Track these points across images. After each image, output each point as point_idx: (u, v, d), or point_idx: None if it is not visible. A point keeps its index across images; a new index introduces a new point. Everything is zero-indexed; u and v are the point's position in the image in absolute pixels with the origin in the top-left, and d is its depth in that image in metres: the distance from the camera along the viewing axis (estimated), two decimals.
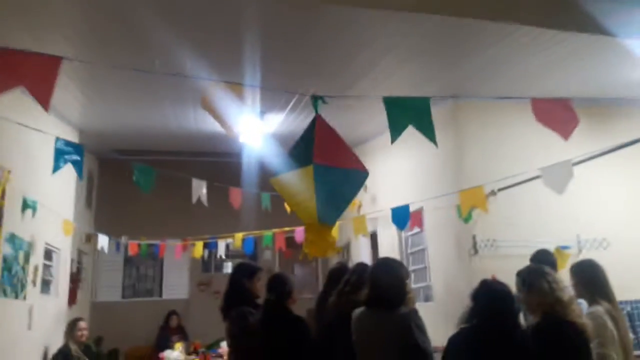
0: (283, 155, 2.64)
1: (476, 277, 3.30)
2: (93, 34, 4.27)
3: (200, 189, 5.69)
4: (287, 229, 6.79)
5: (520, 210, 5.27)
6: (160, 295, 8.70)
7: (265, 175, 2.89)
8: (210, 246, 7.54)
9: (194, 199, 5.69)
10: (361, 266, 3.45)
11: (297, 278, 8.69)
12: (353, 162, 2.62)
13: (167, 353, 6.08)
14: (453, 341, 2.61)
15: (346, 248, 8.04)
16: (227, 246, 7.48)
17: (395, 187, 6.62)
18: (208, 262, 8.82)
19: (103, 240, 6.94)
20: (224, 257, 7.82)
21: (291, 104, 5.86)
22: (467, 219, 5.05)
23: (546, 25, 3.73)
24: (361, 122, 6.45)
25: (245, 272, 3.78)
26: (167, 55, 4.36)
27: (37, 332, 5.29)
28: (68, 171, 3.70)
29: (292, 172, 2.52)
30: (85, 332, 5.52)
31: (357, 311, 2.97)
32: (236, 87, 2.72)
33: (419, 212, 5.70)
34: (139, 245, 7.35)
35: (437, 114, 2.80)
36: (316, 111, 2.61)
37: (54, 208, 5.67)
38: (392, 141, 2.64)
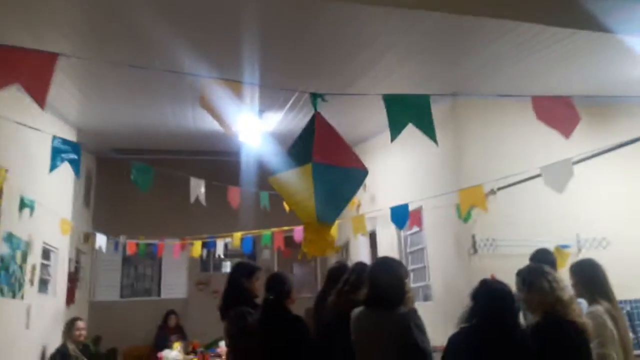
0: (282, 153, 2.61)
1: (475, 277, 3.29)
2: (92, 33, 4.27)
3: (198, 188, 5.67)
4: (285, 228, 6.78)
5: (520, 209, 5.26)
6: (159, 295, 8.68)
7: (264, 174, 2.88)
8: (208, 245, 7.52)
9: (192, 198, 5.67)
10: (360, 265, 3.44)
11: (296, 277, 8.68)
12: (352, 161, 2.60)
13: (166, 353, 6.06)
14: (453, 341, 2.59)
15: (345, 247, 8.03)
16: (226, 245, 7.47)
17: (395, 186, 6.61)
18: (207, 261, 8.80)
19: (101, 240, 6.92)
20: (222, 256, 7.81)
21: (290, 102, 5.85)
22: (466, 219, 5.04)
23: (547, 22, 3.71)
24: (360, 121, 6.43)
25: (244, 271, 3.76)
26: (166, 53, 4.35)
27: (35, 332, 5.27)
28: (66, 170, 3.68)
29: (291, 170, 2.50)
30: (83, 332, 5.50)
31: (356, 311, 2.95)
32: (235, 85, 2.69)
33: (418, 211, 5.69)
34: (137, 244, 7.34)
35: (437, 112, 2.78)
36: (315, 109, 2.59)
37: (52, 207, 5.65)
38: (392, 139, 2.62)
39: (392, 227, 6.02)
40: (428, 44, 4.51)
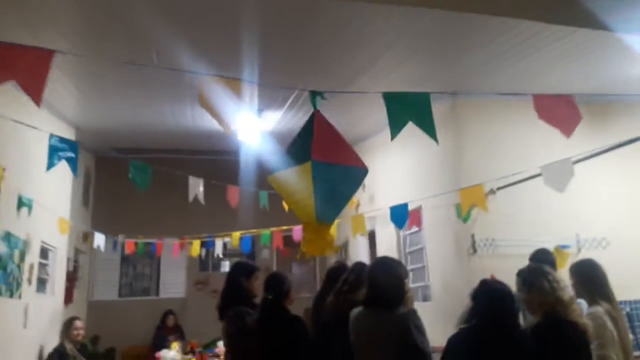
0: (281, 152, 2.59)
1: (475, 277, 3.27)
2: (91, 32, 4.26)
3: (197, 187, 5.65)
4: (284, 227, 6.77)
5: (520, 209, 5.25)
6: (157, 294, 8.66)
7: (263, 174, 2.86)
8: (207, 245, 7.51)
9: (191, 197, 5.65)
10: (360, 265, 3.42)
11: (295, 277, 8.66)
12: (352, 159, 2.57)
13: (164, 352, 6.04)
14: (452, 341, 2.58)
15: (344, 247, 8.02)
16: (225, 245, 7.45)
17: (394, 185, 6.60)
18: (205, 261, 8.78)
19: (99, 239, 6.89)
20: (221, 256, 7.79)
21: (289, 101, 5.84)
22: (465, 218, 5.03)
23: (547, 20, 3.70)
24: (360, 120, 6.42)
25: (242, 271, 3.74)
26: (165, 52, 4.33)
27: (33, 331, 5.25)
28: (64, 169, 3.66)
29: (290, 169, 2.48)
30: (81, 331, 5.48)
31: (355, 311, 2.94)
32: (234, 84, 2.67)
33: (418, 211, 5.68)
34: (136, 243, 7.32)
35: (437, 111, 2.76)
36: (315, 107, 2.57)
37: (50, 206, 5.63)
38: (392, 138, 2.60)
39: (392, 227, 6.01)
40: (428, 42, 4.50)
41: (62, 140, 3.36)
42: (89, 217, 8.05)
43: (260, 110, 5.98)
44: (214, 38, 4.37)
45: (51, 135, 3.32)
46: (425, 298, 6.08)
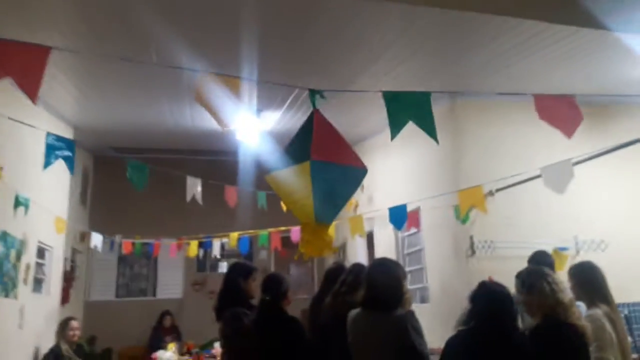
0: (279, 152, 2.58)
1: (473, 279, 3.26)
2: (91, 32, 4.24)
3: (195, 187, 5.63)
4: (282, 228, 6.75)
5: (519, 210, 5.23)
6: (154, 295, 8.63)
7: (262, 174, 2.84)
8: (205, 245, 7.49)
9: (189, 197, 5.64)
10: (358, 267, 3.41)
11: (293, 278, 8.64)
12: (352, 159, 2.55)
13: (160, 353, 6.01)
14: (451, 343, 2.56)
15: (342, 248, 8.00)
16: (223, 246, 7.43)
17: (393, 186, 6.58)
18: (203, 261, 8.75)
19: (96, 239, 6.87)
20: (219, 256, 7.77)
21: (288, 101, 5.82)
22: (464, 220, 5.01)
23: (550, 20, 3.68)
24: (359, 121, 6.41)
25: (240, 272, 3.73)
26: (164, 52, 4.31)
27: (28, 332, 5.22)
28: (62, 168, 3.64)
29: (289, 168, 2.45)
30: (77, 332, 5.45)
31: (353, 312, 2.92)
32: (233, 83, 2.66)
33: (416, 212, 5.66)
34: (133, 244, 7.29)
35: (436, 112, 2.74)
36: (314, 105, 2.55)
37: (48, 205, 5.61)
38: (392, 137, 2.58)
39: (390, 228, 5.99)
40: (428, 42, 4.48)
41: (59, 138, 3.34)
42: (87, 216, 8.02)
43: (259, 110, 5.97)
44: (214, 38, 4.35)
45: (48, 134, 3.30)
46: (424, 300, 6.06)
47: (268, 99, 5.73)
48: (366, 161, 2.64)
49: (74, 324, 5.45)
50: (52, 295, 6.10)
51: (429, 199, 5.39)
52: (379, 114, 2.73)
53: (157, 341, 7.24)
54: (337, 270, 3.68)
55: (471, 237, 5.14)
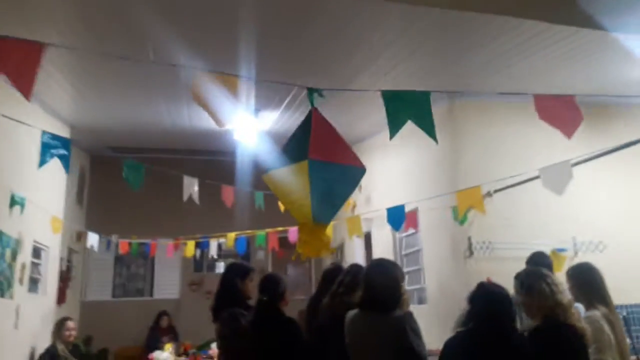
0: (277, 151, 2.55)
1: (471, 280, 3.24)
2: (90, 32, 4.23)
3: (191, 187, 5.61)
4: (280, 228, 6.73)
5: (517, 211, 5.22)
6: (151, 295, 8.60)
7: (259, 174, 2.82)
8: (202, 245, 7.46)
9: (185, 197, 5.62)
10: (356, 267, 3.40)
11: (290, 278, 8.60)
12: (350, 158, 2.53)
13: (157, 354, 5.98)
14: (449, 345, 2.55)
15: (340, 249, 7.98)
16: (220, 246, 7.40)
17: (391, 187, 6.57)
18: (200, 261, 8.72)
19: (93, 239, 6.83)
20: (216, 257, 7.74)
21: (286, 101, 5.81)
22: (462, 221, 5.00)
23: (551, 19, 3.67)
24: (357, 121, 6.40)
25: (237, 272, 3.71)
26: (161, 52, 4.29)
27: (24, 332, 5.19)
28: (58, 167, 3.62)
29: (286, 167, 2.43)
30: (73, 332, 5.42)
31: (351, 313, 2.90)
32: (231, 82, 2.64)
33: (414, 213, 5.65)
34: (130, 243, 7.26)
35: (434, 113, 2.71)
36: (312, 104, 2.52)
37: (44, 205, 5.57)
38: (391, 137, 2.56)
39: (388, 229, 5.97)
40: (428, 41, 4.46)
41: (54, 137, 3.31)
42: (83, 216, 7.99)
43: (257, 110, 5.96)
44: (212, 37, 4.33)
45: (43, 132, 3.27)
46: (421, 301, 6.05)
47: (266, 98, 5.71)
48: (364, 161, 2.62)
49: (70, 324, 5.42)
50: (48, 295, 6.07)
51: (427, 200, 5.38)
52: (377, 115, 2.72)
53: (154, 341, 7.21)
54: (335, 271, 3.67)
55: (469, 238, 5.13)
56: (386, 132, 2.63)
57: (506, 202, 5.06)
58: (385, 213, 5.24)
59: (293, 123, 6.21)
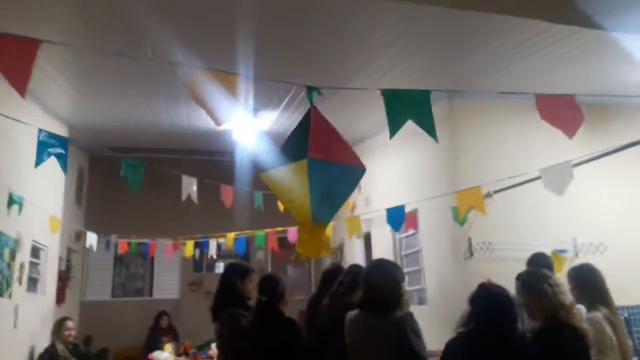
0: (276, 150, 2.54)
1: (471, 280, 3.23)
2: (90, 32, 4.22)
3: (190, 187, 5.59)
4: (279, 228, 6.71)
5: (517, 212, 5.21)
6: (151, 295, 8.58)
7: (258, 174, 2.81)
8: (201, 246, 7.45)
9: (184, 197, 5.60)
10: (356, 268, 3.39)
11: (290, 279, 8.60)
12: (350, 158, 2.51)
13: (157, 354, 5.97)
14: (450, 345, 2.53)
15: (339, 249, 7.97)
16: (219, 246, 7.39)
17: (390, 187, 6.55)
18: (199, 261, 8.71)
19: (92, 238, 6.82)
20: (215, 257, 7.73)
21: (285, 101, 5.79)
22: (462, 221, 4.99)
23: (552, 19, 3.66)
24: (357, 121, 6.38)
25: (237, 272, 3.69)
26: (160, 51, 4.27)
27: (23, 332, 5.17)
28: (56, 167, 3.60)
29: (285, 166, 2.41)
30: (72, 332, 5.41)
31: (351, 314, 2.89)
32: (230, 81, 2.62)
33: (414, 213, 5.63)
34: (129, 243, 7.24)
35: (434, 113, 2.70)
36: (311, 102, 2.51)
37: (42, 204, 5.56)
38: (391, 136, 2.55)
39: (388, 229, 5.96)
40: (428, 41, 4.44)
41: (51, 136, 3.28)
42: (82, 216, 7.97)
43: (256, 110, 5.94)
44: (211, 37, 4.32)
45: (40, 131, 3.24)
46: (421, 301, 6.03)
47: (265, 98, 5.70)
48: (364, 162, 2.61)
49: (70, 324, 5.41)
50: (47, 294, 6.06)
51: (427, 200, 5.36)
52: (376, 114, 2.71)
53: (153, 341, 7.19)
54: (335, 271, 3.66)
55: (469, 239, 5.12)
56: (386, 132, 2.61)
57: (506, 203, 5.05)
58: (385, 213, 5.22)
59: (292, 123, 6.20)
